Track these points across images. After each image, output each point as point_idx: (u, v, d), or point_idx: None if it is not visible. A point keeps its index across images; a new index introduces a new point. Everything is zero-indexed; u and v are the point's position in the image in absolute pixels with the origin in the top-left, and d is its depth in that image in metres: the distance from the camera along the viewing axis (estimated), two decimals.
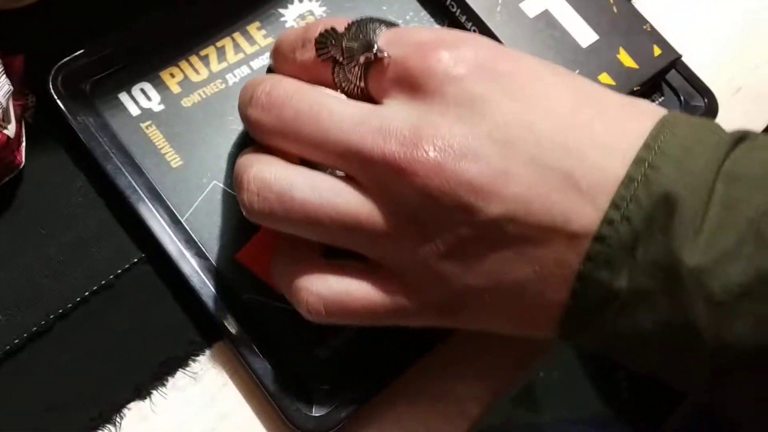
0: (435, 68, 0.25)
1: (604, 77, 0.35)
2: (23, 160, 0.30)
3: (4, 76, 0.28)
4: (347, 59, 0.27)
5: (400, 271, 0.26)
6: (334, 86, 0.28)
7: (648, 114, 0.25)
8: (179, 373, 0.30)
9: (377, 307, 0.26)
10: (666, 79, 0.38)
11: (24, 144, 0.30)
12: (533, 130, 0.24)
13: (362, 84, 0.27)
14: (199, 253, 0.31)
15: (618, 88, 0.35)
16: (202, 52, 0.34)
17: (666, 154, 0.24)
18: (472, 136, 0.24)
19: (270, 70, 0.33)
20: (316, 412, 0.29)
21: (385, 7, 0.37)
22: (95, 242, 0.31)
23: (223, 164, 0.33)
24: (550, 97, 0.25)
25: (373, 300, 0.26)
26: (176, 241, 0.31)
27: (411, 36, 0.27)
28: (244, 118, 0.28)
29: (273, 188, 0.26)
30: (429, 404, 0.31)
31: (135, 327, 0.30)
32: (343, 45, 0.27)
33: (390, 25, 0.28)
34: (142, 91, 0.33)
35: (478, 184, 0.24)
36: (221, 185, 0.32)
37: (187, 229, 0.31)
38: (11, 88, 0.29)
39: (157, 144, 0.32)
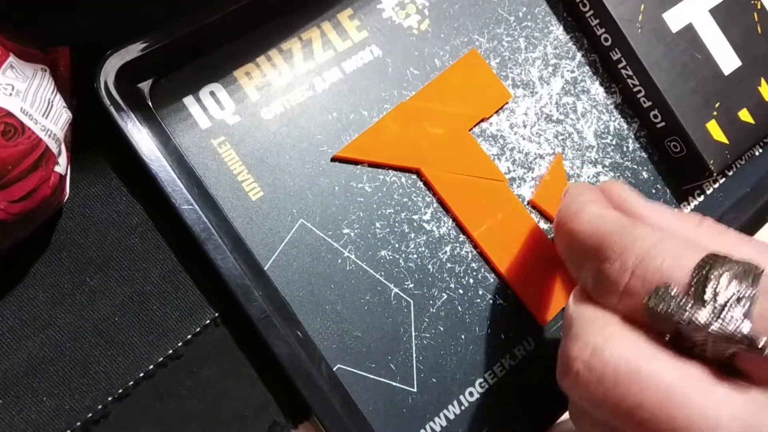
0: None
1: (744, 114, 0.30)
2: (68, 192, 0.23)
3: (62, 101, 0.21)
4: (704, 344, 0.19)
5: None
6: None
7: None
8: None
9: None
10: None
11: (69, 171, 0.23)
12: None
13: (725, 359, 0.19)
14: (285, 313, 0.25)
15: (756, 129, 0.31)
16: (284, 45, 0.27)
17: None
18: None
19: None
20: None
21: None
22: (158, 299, 0.24)
23: (311, 197, 0.26)
24: None
25: None
26: (258, 298, 0.24)
27: None
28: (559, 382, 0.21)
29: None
30: None
31: (208, 405, 0.24)
32: (693, 317, 0.19)
33: (750, 273, 0.19)
34: (212, 94, 0.26)
35: None
36: (309, 224, 0.26)
37: (272, 281, 0.25)
38: (71, 116, 0.21)
39: (233, 168, 0.26)
